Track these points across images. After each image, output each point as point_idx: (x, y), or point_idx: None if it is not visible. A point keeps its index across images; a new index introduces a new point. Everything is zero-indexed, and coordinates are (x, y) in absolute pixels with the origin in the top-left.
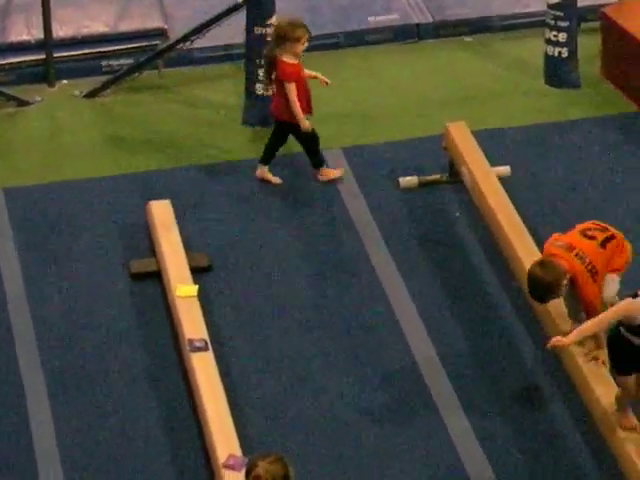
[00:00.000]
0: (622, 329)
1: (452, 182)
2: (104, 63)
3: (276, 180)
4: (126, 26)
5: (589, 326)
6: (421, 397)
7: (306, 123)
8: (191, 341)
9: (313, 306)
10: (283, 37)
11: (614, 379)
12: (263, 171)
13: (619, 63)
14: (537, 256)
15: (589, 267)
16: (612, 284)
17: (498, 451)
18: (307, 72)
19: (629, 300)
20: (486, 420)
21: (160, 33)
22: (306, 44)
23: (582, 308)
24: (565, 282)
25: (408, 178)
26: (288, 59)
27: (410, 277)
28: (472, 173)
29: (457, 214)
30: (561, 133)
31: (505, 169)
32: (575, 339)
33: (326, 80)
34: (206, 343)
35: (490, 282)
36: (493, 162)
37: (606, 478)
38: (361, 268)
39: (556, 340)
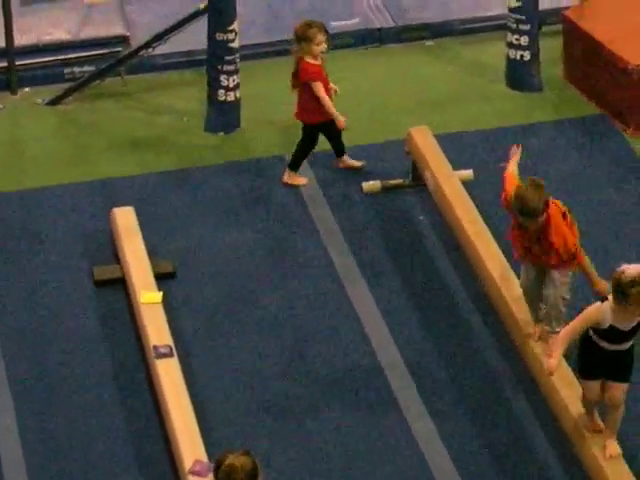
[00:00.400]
0: (591, 332)
1: (415, 186)
2: (66, 70)
3: (303, 181)
4: (88, 33)
5: (563, 336)
6: (385, 400)
7: (341, 118)
8: (156, 347)
9: (277, 311)
10: (299, 38)
11: (580, 383)
12: (290, 176)
13: (581, 66)
14: (500, 259)
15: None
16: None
17: (463, 451)
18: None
19: (597, 305)
20: (451, 421)
21: (122, 40)
22: (323, 45)
23: (559, 255)
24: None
25: (371, 183)
26: (309, 60)
27: (374, 282)
28: (435, 177)
29: (420, 218)
30: (523, 136)
31: (468, 173)
32: (558, 355)
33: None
34: (171, 349)
35: (454, 285)
36: (456, 166)
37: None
38: (324, 273)
39: (548, 367)
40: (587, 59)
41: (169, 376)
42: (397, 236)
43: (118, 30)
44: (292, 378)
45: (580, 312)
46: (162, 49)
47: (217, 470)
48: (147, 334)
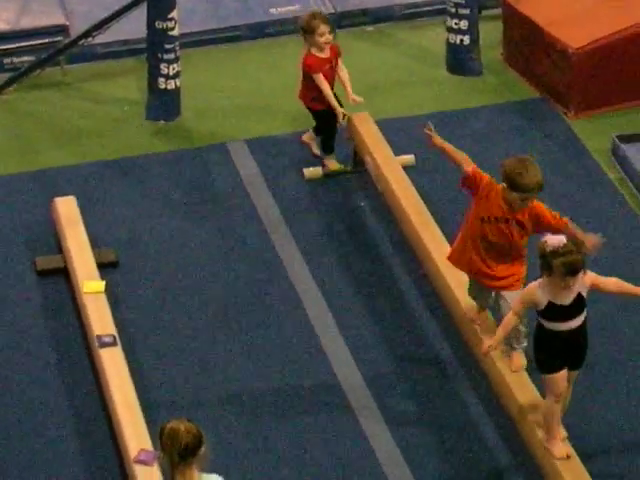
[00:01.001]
0: (542, 320)
1: (356, 172)
2: (6, 60)
3: (334, 165)
4: (27, 23)
5: (506, 322)
6: (333, 394)
7: (339, 110)
8: (99, 337)
9: (221, 299)
10: (303, 29)
11: (544, 382)
12: (327, 160)
13: (521, 49)
14: (443, 244)
15: None
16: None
17: (418, 455)
18: (342, 78)
19: (530, 284)
20: (403, 421)
21: (62, 29)
22: (327, 36)
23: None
24: None
25: (312, 169)
26: (314, 51)
27: (318, 269)
28: (376, 162)
29: (362, 203)
30: (464, 120)
31: (409, 158)
32: (500, 339)
33: (354, 98)
34: (114, 338)
35: (397, 271)
36: (397, 151)
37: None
38: (268, 260)
39: (486, 348)
40: (527, 43)
41: (113, 365)
42: (339, 222)
43: (57, 19)
44: (237, 366)
45: None
46: (102, 38)
47: (161, 436)
48: (90, 324)
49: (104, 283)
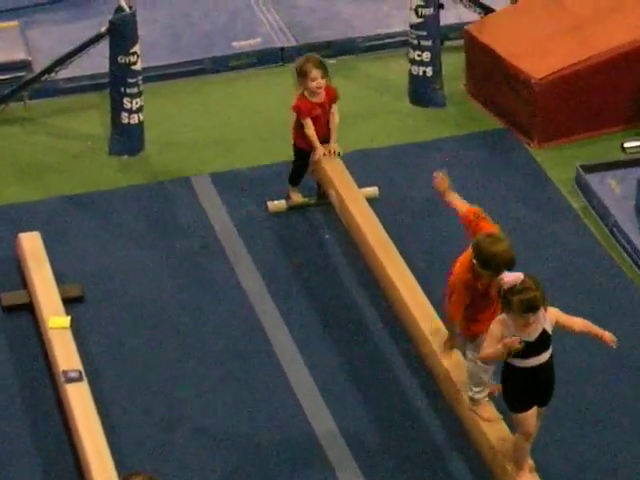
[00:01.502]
0: (508, 358)
1: (320, 204)
2: None
3: (297, 198)
4: None
5: (482, 357)
6: (293, 412)
7: (318, 153)
8: (65, 372)
9: (187, 332)
10: (297, 72)
11: (514, 421)
12: (294, 194)
13: (483, 81)
14: (406, 275)
15: None
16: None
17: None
18: (330, 124)
19: (495, 319)
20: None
21: (24, 65)
22: (319, 81)
23: None
24: None
25: (276, 202)
26: (307, 94)
27: (283, 302)
28: (340, 195)
29: (326, 236)
30: (427, 152)
31: (373, 190)
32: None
33: (331, 149)
34: (80, 373)
35: (361, 302)
36: (360, 183)
37: None
38: (233, 293)
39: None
40: (489, 74)
41: (79, 401)
42: (304, 255)
43: (20, 55)
44: (204, 398)
45: None
46: (65, 73)
47: None
48: (56, 359)
49: (69, 318)
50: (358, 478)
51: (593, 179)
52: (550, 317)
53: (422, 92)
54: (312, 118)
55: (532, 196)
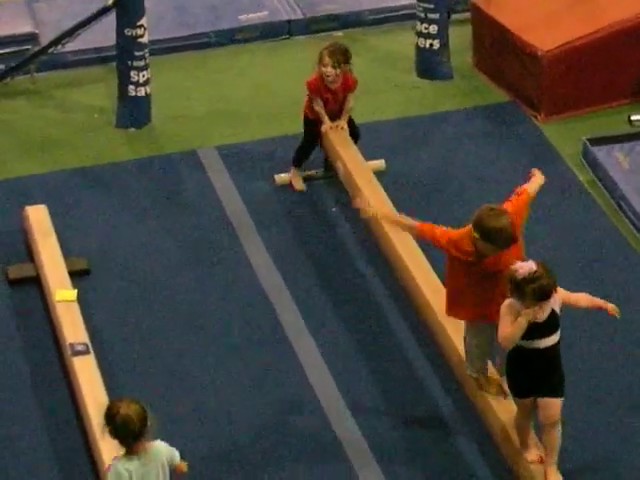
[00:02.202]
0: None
1: (327, 177)
2: None
3: (298, 185)
4: None
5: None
6: (306, 397)
7: (326, 125)
8: (72, 345)
9: (193, 306)
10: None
11: (515, 403)
12: (295, 177)
13: (490, 53)
14: (413, 248)
15: None
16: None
17: None
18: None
19: (504, 303)
20: (386, 444)
21: (31, 38)
22: (329, 69)
23: None
24: None
25: (283, 175)
26: (322, 80)
27: (290, 275)
28: (347, 168)
29: (333, 209)
30: (434, 125)
31: (380, 163)
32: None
33: (339, 124)
34: (87, 346)
35: (368, 275)
36: (368, 156)
37: None
38: (239, 267)
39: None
40: (496, 47)
41: (86, 374)
42: (310, 227)
43: (27, 28)
44: (210, 372)
45: None
46: (71, 46)
47: (111, 418)
48: (63, 332)
49: (76, 291)
50: (365, 451)
51: (600, 152)
52: (557, 298)
53: (429, 65)
54: (321, 99)
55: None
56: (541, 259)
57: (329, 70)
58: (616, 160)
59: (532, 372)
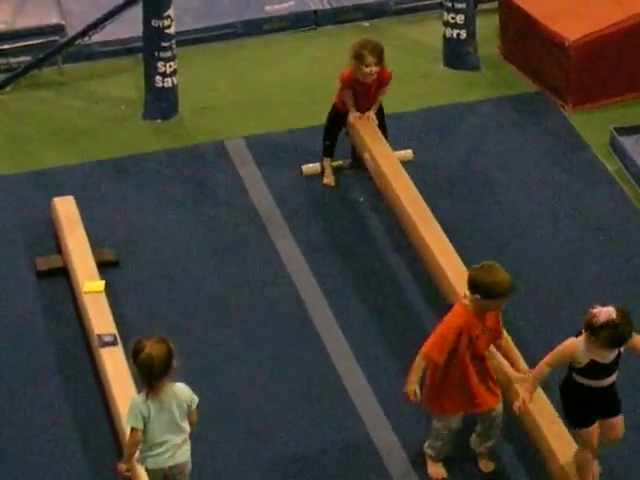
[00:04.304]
0: (574, 373)
1: (355, 168)
2: (2, 61)
3: (327, 180)
4: (23, 23)
5: (535, 372)
6: (329, 381)
7: (353, 115)
8: (100, 336)
9: (222, 297)
10: (353, 53)
11: (574, 437)
12: (327, 168)
13: (518, 43)
14: (442, 239)
15: None
16: None
17: None
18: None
19: (572, 339)
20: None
21: (58, 29)
22: (372, 68)
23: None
24: None
25: (310, 165)
26: (358, 75)
27: (316, 264)
28: (375, 158)
29: (361, 199)
30: (461, 115)
31: (407, 153)
32: (532, 391)
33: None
34: (115, 338)
35: (396, 266)
36: (395, 146)
37: None
38: (268, 257)
39: (519, 405)
40: (524, 36)
41: (114, 365)
42: (338, 218)
43: (54, 19)
44: (237, 364)
45: None
46: (98, 37)
47: (135, 355)
48: (90, 323)
49: (104, 283)
50: (394, 442)
51: (628, 141)
52: (632, 343)
53: (456, 55)
54: (353, 91)
55: (567, 159)
56: (568, 250)
57: (373, 69)
58: None
59: (591, 404)
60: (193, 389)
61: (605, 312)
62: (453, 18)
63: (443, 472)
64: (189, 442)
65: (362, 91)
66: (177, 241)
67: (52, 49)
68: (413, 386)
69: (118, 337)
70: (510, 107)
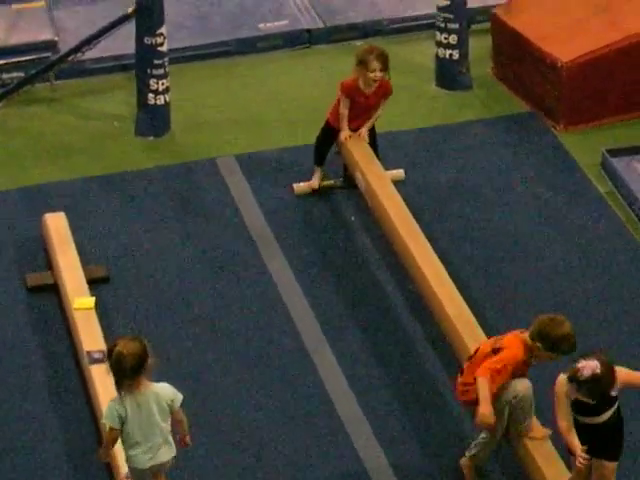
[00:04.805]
0: (573, 412)
1: (346, 187)
2: None
3: (314, 183)
4: (16, 39)
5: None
6: (325, 409)
7: (344, 134)
8: (89, 353)
9: (211, 315)
10: (358, 59)
11: (571, 462)
12: (315, 175)
13: (510, 63)
14: (432, 258)
15: None
16: None
17: None
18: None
19: (560, 377)
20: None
21: (51, 45)
22: (377, 73)
23: None
24: None
25: (302, 184)
26: (360, 82)
27: (307, 284)
28: (366, 177)
29: (352, 218)
30: (453, 135)
31: (399, 173)
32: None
33: (360, 132)
34: (104, 355)
35: (386, 285)
36: (387, 166)
37: None
38: (258, 276)
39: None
40: (516, 57)
41: (103, 382)
42: (329, 237)
43: (46, 35)
44: (228, 382)
45: None
46: (91, 54)
47: (109, 355)
48: (80, 340)
49: (94, 299)
50: (384, 464)
51: (619, 163)
52: (618, 381)
53: (449, 75)
54: (351, 101)
55: (558, 180)
56: (559, 271)
57: (378, 74)
58: (635, 171)
59: (591, 439)
60: (182, 406)
61: (589, 367)
62: (446, 38)
63: None
64: (171, 441)
65: (361, 102)
66: (168, 258)
67: (45, 65)
68: (489, 408)
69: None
70: (502, 127)
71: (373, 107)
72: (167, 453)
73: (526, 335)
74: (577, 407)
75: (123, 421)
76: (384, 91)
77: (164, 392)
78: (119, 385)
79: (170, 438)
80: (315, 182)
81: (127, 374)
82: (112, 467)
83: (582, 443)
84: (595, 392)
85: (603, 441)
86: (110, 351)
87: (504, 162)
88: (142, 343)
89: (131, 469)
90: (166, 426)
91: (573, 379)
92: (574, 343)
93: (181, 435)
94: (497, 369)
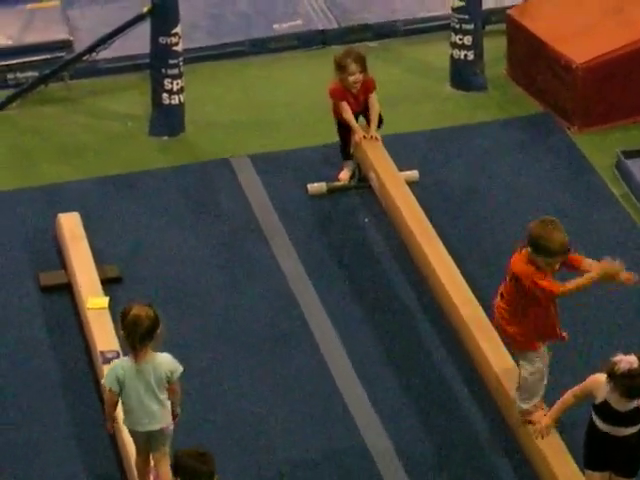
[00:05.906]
0: (592, 412)
1: (360, 187)
2: (10, 76)
3: (343, 175)
4: (31, 38)
5: (559, 405)
6: (336, 406)
7: (359, 134)
8: (103, 353)
9: (225, 315)
10: (336, 64)
11: (584, 475)
12: (345, 168)
13: (525, 64)
14: (446, 259)
15: None
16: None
17: None
18: (370, 113)
19: (596, 375)
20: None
21: (65, 45)
22: (357, 76)
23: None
24: None
25: (316, 184)
26: (345, 84)
27: (322, 285)
28: (380, 178)
29: (366, 220)
30: (468, 136)
31: (413, 174)
32: (551, 417)
33: (373, 135)
34: (118, 354)
35: (400, 286)
36: (401, 167)
37: None
38: (272, 276)
39: (540, 432)
40: (531, 58)
41: None
42: (343, 238)
43: (61, 35)
44: (241, 381)
45: None
46: (105, 53)
47: (123, 317)
48: (94, 340)
49: (108, 299)
50: (388, 448)
51: (634, 165)
52: None
53: (463, 76)
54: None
55: (572, 182)
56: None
57: (357, 77)
58: None
59: (603, 451)
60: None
61: (626, 361)
62: (461, 39)
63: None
64: (167, 408)
65: (353, 102)
66: (181, 258)
67: (59, 65)
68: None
69: (121, 354)
70: (516, 128)
71: (363, 102)
72: (162, 420)
73: (524, 251)
74: (603, 411)
75: (121, 385)
76: (367, 87)
77: (166, 362)
78: (130, 348)
79: (168, 407)
80: (344, 175)
81: (141, 337)
82: (126, 468)
83: (596, 455)
84: (629, 389)
85: (623, 457)
86: (124, 314)
87: (518, 163)
88: (155, 311)
89: (130, 431)
90: (163, 398)
91: (609, 373)
92: (562, 242)
93: (172, 405)
94: (541, 278)
